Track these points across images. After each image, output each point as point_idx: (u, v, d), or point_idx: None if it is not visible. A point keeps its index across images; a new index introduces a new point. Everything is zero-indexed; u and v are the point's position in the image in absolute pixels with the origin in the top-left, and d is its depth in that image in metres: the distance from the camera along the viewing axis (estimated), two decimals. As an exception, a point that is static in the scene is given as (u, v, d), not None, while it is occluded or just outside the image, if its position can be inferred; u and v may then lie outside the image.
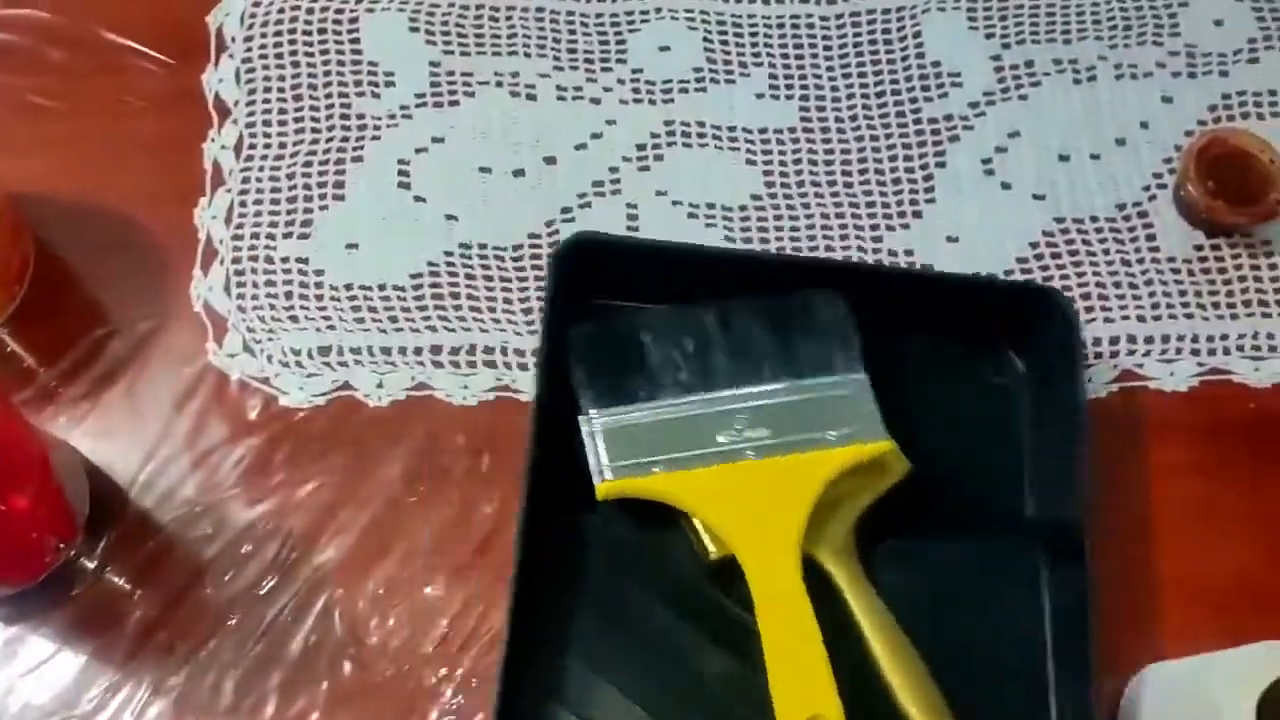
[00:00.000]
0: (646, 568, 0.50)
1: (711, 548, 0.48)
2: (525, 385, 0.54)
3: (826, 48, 0.61)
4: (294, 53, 0.60)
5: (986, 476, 0.52)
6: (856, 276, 0.54)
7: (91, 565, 0.49)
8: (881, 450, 0.49)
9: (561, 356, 0.51)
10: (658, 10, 0.62)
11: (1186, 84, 0.61)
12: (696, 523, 0.49)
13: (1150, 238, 0.57)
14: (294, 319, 0.55)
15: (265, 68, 0.60)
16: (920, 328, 0.53)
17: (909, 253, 0.57)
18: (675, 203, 0.58)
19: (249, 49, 0.60)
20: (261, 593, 0.50)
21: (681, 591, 0.49)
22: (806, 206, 0.58)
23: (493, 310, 0.55)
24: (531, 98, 0.60)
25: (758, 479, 0.48)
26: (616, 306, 0.54)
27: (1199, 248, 0.57)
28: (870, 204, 0.58)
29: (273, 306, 0.55)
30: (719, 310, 0.52)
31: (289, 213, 0.57)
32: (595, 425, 0.49)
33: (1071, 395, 0.49)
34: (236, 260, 0.56)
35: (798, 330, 0.51)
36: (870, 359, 0.51)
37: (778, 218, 0.58)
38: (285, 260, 0.56)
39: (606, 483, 0.48)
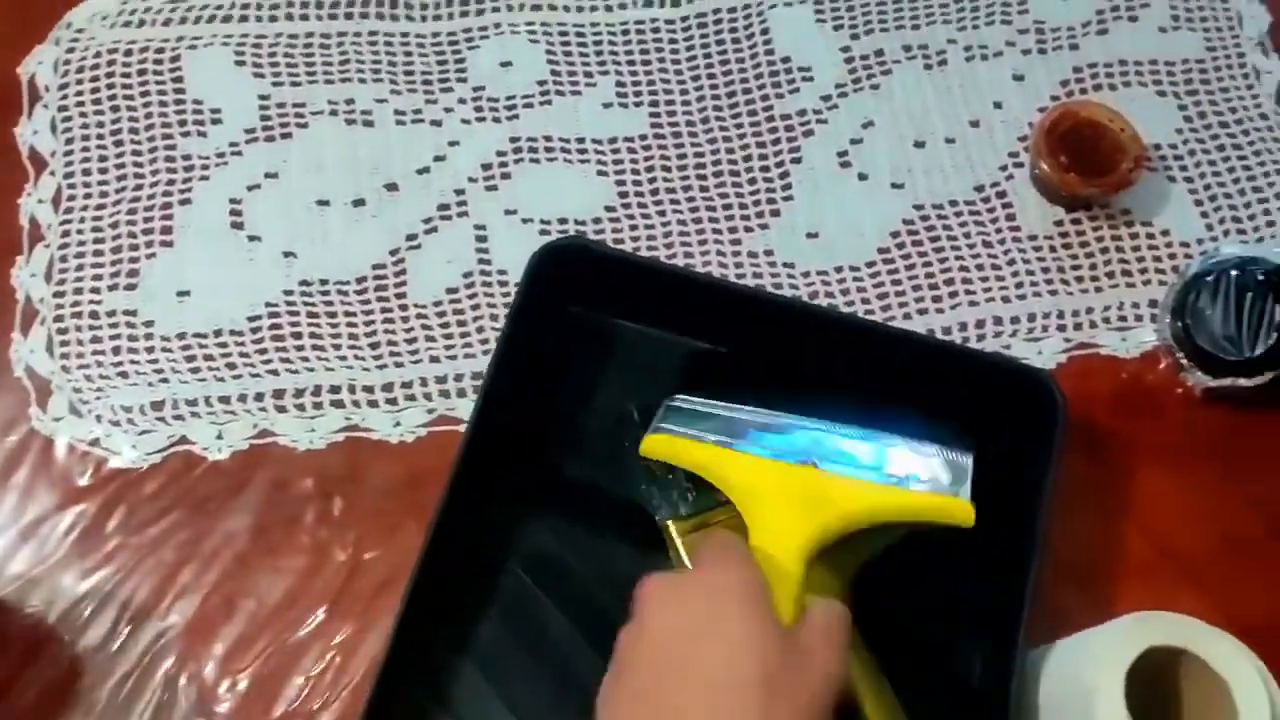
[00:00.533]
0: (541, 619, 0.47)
1: (688, 564, 0.46)
2: (375, 423, 0.51)
3: (674, 52, 0.60)
4: (113, 97, 0.57)
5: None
6: (828, 323, 0.50)
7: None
8: (960, 511, 0.43)
9: (516, 369, 0.48)
10: (496, 26, 0.60)
11: (1037, 60, 0.60)
12: (675, 534, 0.46)
13: (1010, 218, 0.56)
14: (124, 375, 0.51)
15: (83, 115, 0.56)
16: (905, 394, 0.48)
17: (769, 253, 0.55)
18: (525, 220, 0.56)
19: (64, 97, 0.57)
20: (100, 664, 0.46)
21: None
22: (662, 214, 0.56)
23: (338, 347, 0.53)
24: (369, 124, 0.57)
25: (807, 487, 0.43)
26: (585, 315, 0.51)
27: (1059, 223, 0.56)
28: (727, 206, 0.56)
29: (100, 364, 0.52)
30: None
31: (114, 264, 0.53)
32: (671, 402, 0.48)
33: (1041, 474, 0.46)
34: (59, 319, 0.52)
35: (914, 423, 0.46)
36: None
37: (633, 227, 0.56)
38: (112, 314, 0.53)
39: (651, 438, 0.46)
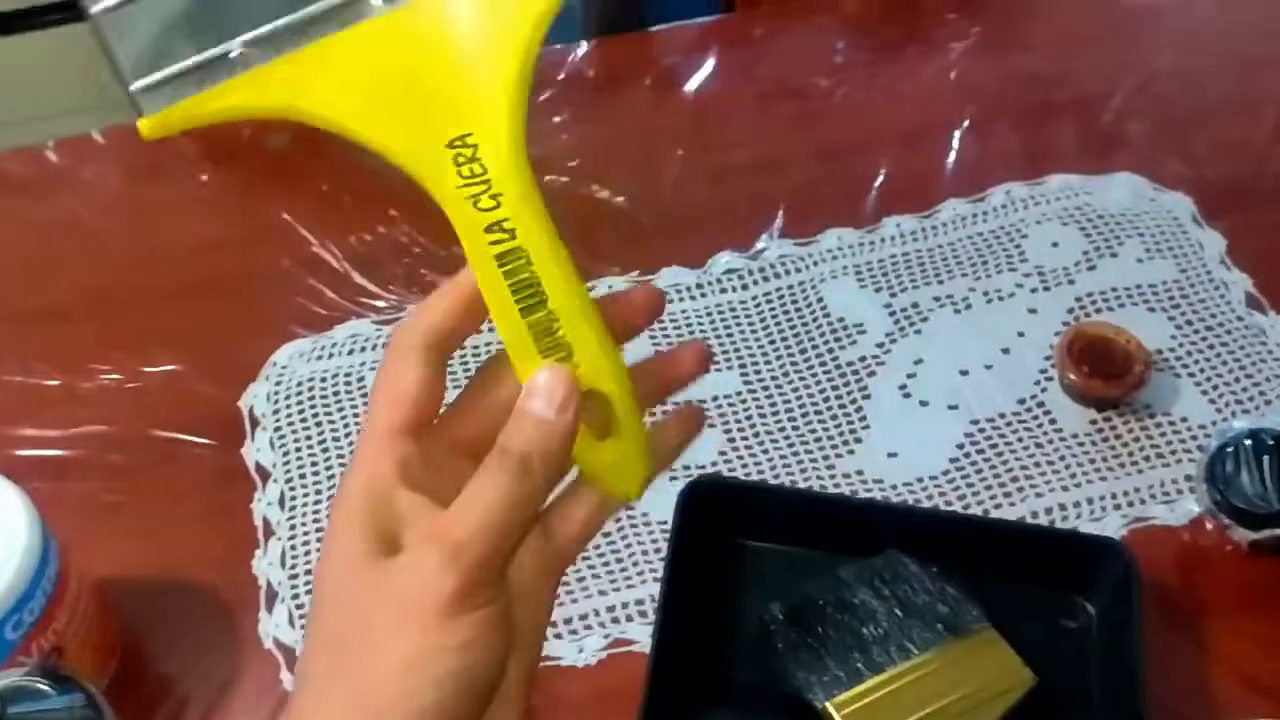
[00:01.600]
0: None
1: None
2: (562, 651, 0.61)
3: (750, 323, 0.75)
4: (315, 415, 0.71)
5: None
6: (937, 521, 0.63)
7: None
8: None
9: (678, 592, 0.58)
10: (609, 322, 0.75)
11: (1044, 296, 0.75)
12: (836, 717, 0.56)
13: (1053, 421, 0.69)
14: (353, 637, 0.63)
15: (294, 431, 0.71)
16: (997, 574, 0.60)
17: (859, 472, 0.68)
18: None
19: (278, 420, 0.71)
20: None
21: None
22: (765, 452, 0.69)
23: (523, 594, 0.64)
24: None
25: (417, 47, 0.30)
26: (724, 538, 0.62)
27: (1094, 422, 0.69)
28: (818, 439, 0.69)
29: (333, 630, 0.63)
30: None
31: (334, 547, 0.66)
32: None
33: (1129, 638, 0.56)
34: (295, 596, 0.64)
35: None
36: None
37: (744, 466, 0.68)
38: (337, 588, 0.64)
39: (145, 119, 0.31)
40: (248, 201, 0.85)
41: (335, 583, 0.31)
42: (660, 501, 0.65)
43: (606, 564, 0.64)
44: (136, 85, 0.30)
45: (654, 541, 0.65)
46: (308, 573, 0.65)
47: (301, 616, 0.64)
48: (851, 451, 0.69)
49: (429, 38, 0.29)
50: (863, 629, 0.59)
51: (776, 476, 0.68)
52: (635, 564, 0.65)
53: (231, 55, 0.30)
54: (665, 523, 0.65)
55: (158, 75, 0.30)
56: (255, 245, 0.81)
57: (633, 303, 0.36)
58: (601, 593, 0.64)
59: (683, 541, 0.61)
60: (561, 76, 0.91)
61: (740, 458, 0.69)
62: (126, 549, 0.66)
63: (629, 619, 0.63)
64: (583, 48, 0.93)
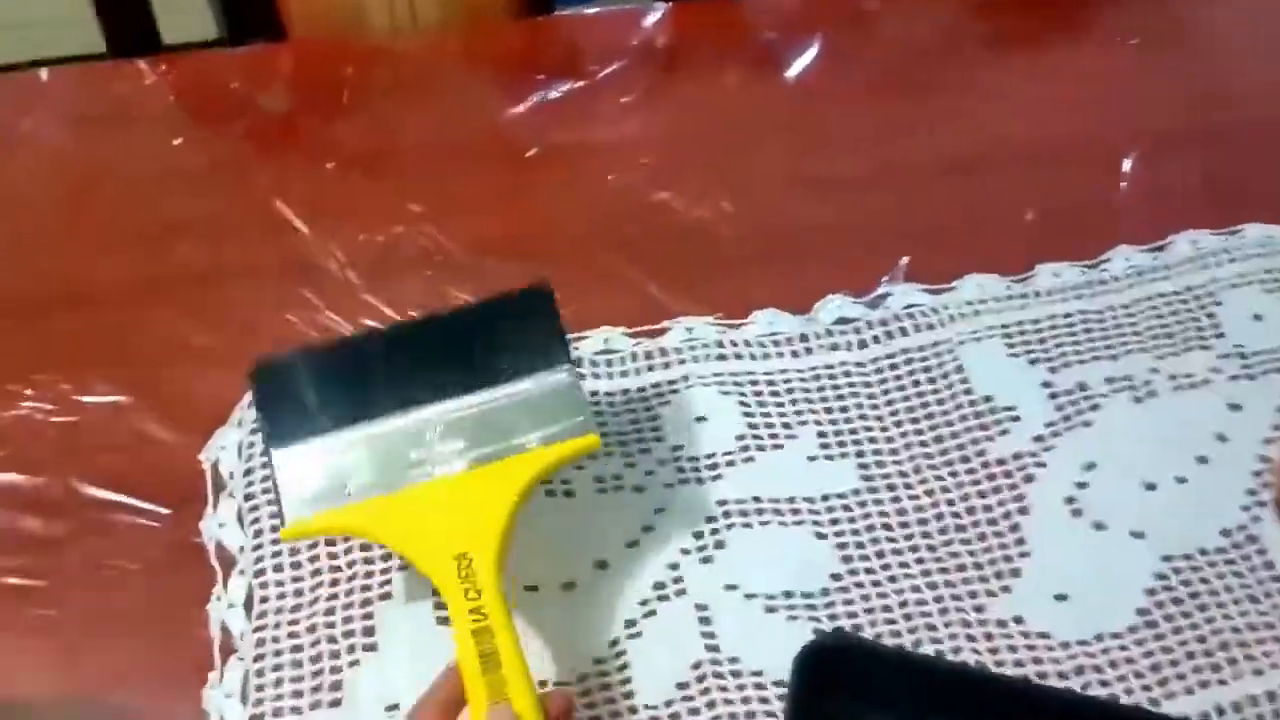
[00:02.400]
0: None
1: None
2: None
3: (870, 396, 0.58)
4: (301, 481, 0.55)
5: None
6: None
7: None
8: (589, 447, 0.48)
9: None
10: (685, 379, 0.58)
11: (1249, 387, 0.58)
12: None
13: (1268, 565, 0.52)
14: (334, 812, 0.47)
15: (270, 503, 0.54)
16: None
17: (1018, 620, 0.51)
18: (749, 596, 0.52)
19: (250, 483, 0.54)
20: None
21: None
22: (893, 579, 0.52)
23: (566, 762, 0.48)
24: (569, 494, 0.55)
25: (451, 497, 0.47)
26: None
27: (1321, 566, 0.53)
28: (961, 567, 0.53)
29: (307, 802, 0.47)
30: (405, 330, 0.51)
31: (314, 675, 0.49)
32: (276, 466, 0.48)
33: None
34: (260, 748, 0.48)
35: (497, 336, 0.50)
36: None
37: (864, 597, 0.52)
38: (317, 738, 0.48)
39: (292, 526, 0.47)
40: (230, 177, 0.66)
41: None
42: (758, 642, 0.50)
43: (684, 727, 0.48)
44: (288, 513, 0.47)
45: (745, 703, 0.48)
46: (276, 714, 0.48)
47: (266, 776, 0.47)
48: (1007, 589, 0.52)
49: (453, 497, 0.47)
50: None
51: (909, 616, 0.51)
52: (724, 731, 0.49)
53: (344, 494, 0.47)
54: (760, 675, 0.49)
55: (302, 507, 0.47)
56: (235, 237, 0.63)
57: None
58: (678, 768, 0.48)
59: (802, 712, 0.45)
60: (633, 43, 0.73)
61: (859, 584, 0.52)
62: (33, 659, 0.49)
63: (713, 808, 0.47)
64: (657, 10, 0.75)
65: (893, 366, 0.59)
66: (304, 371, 0.49)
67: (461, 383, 0.49)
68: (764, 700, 0.49)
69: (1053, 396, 0.58)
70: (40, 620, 0.50)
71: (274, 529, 0.53)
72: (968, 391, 0.58)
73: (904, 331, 0.60)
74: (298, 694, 0.48)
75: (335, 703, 0.48)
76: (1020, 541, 0.53)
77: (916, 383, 0.58)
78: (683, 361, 0.59)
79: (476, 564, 0.45)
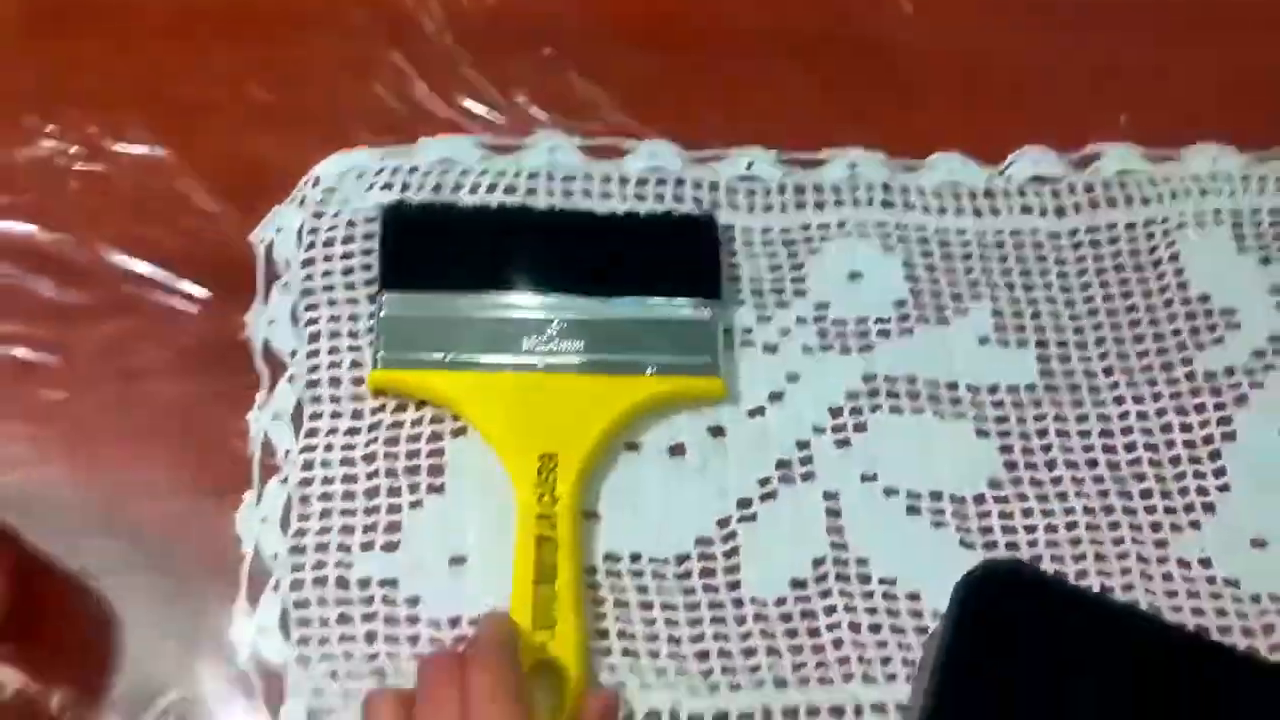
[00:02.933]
0: None
1: None
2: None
3: (1062, 276, 0.47)
4: (372, 282, 0.44)
5: None
6: None
7: None
8: (710, 391, 0.43)
9: None
10: (841, 224, 0.48)
11: None
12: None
13: None
14: (379, 673, 0.39)
15: (332, 303, 0.44)
16: None
17: (1205, 563, 0.42)
18: (889, 491, 0.43)
19: (309, 277, 0.45)
20: None
21: None
22: (1063, 496, 0.43)
23: (655, 655, 0.40)
24: (687, 343, 0.46)
25: (552, 395, 0.43)
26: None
27: None
28: (1146, 493, 0.44)
29: (349, 654, 0.39)
30: (555, 217, 0.46)
31: (368, 512, 0.41)
32: (382, 307, 0.43)
33: None
34: (298, 585, 0.40)
35: (649, 251, 0.45)
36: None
37: (1026, 512, 0.43)
38: (365, 584, 0.40)
39: (376, 372, 0.43)
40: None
41: None
42: (892, 545, 0.41)
43: (793, 634, 0.40)
44: (382, 356, 0.43)
45: (871, 614, 0.40)
46: (319, 547, 0.40)
47: (303, 621, 0.40)
48: (1195, 525, 0.43)
49: (554, 395, 0.43)
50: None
51: (1077, 542, 0.42)
52: (838, 644, 0.40)
53: (442, 359, 0.43)
54: (893, 584, 0.41)
55: (398, 355, 0.43)
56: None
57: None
58: (779, 682, 0.40)
59: (961, 650, 0.37)
60: None
61: (1022, 495, 0.43)
62: (42, 447, 0.41)
63: (835, 734, 0.40)
64: None
65: (1094, 243, 0.48)
66: (439, 224, 0.45)
67: (598, 286, 0.44)
68: (892, 613, 0.41)
69: (1283, 305, 0.48)
70: (50, 405, 0.42)
71: (333, 334, 0.44)
72: (1181, 286, 0.47)
73: (1112, 202, 0.49)
74: (347, 530, 0.41)
75: (390, 546, 0.40)
76: (1220, 473, 0.44)
77: (1120, 267, 0.48)
78: (840, 203, 0.48)
79: (561, 469, 0.41)
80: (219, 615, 0.39)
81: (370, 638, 0.39)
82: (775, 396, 0.45)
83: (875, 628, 0.41)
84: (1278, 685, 0.38)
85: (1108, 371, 0.46)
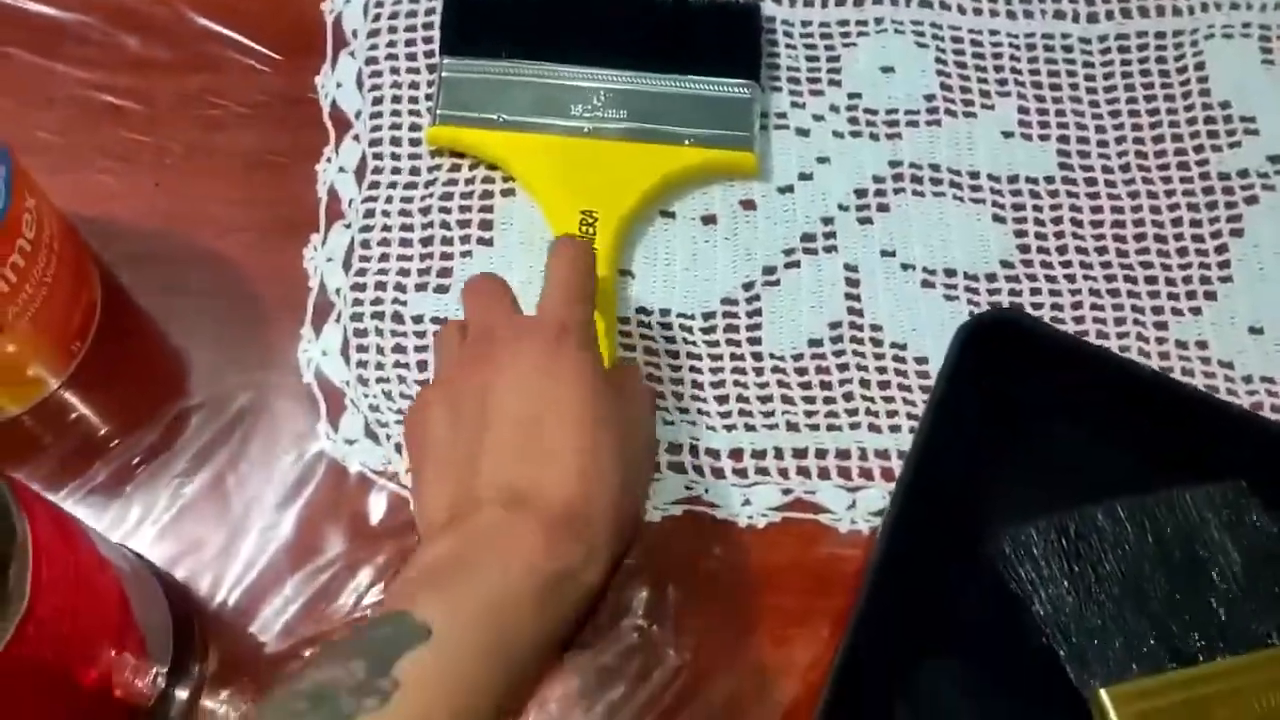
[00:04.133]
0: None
1: None
2: (720, 497, 0.42)
3: (1089, 78, 0.49)
4: (430, 54, 0.48)
5: None
6: None
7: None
8: (742, 164, 0.46)
9: (926, 473, 0.39)
10: (878, 21, 0.50)
11: None
12: (1110, 707, 0.37)
13: None
14: (428, 396, 0.43)
15: (395, 71, 0.48)
16: None
17: (1201, 344, 0.45)
18: (906, 266, 0.46)
19: (374, 47, 0.48)
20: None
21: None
22: (1071, 279, 0.46)
23: (679, 396, 0.44)
24: (724, 124, 0.48)
25: (595, 158, 0.46)
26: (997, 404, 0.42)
27: None
28: (1151, 279, 0.46)
29: (402, 379, 0.43)
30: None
31: (423, 258, 0.45)
32: (444, 70, 0.46)
33: None
34: (357, 317, 0.44)
35: (695, 29, 0.48)
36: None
37: (1035, 290, 0.46)
38: (419, 319, 0.44)
39: (433, 129, 0.46)
40: None
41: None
42: (905, 315, 0.44)
43: (807, 387, 0.44)
44: (441, 113, 0.46)
45: (881, 373, 0.43)
46: (379, 286, 0.44)
47: (361, 348, 0.44)
48: (1197, 311, 0.46)
49: (597, 158, 0.46)
50: (1173, 592, 0.40)
51: (1080, 319, 0.45)
52: (848, 397, 0.43)
53: (495, 119, 0.46)
54: (904, 349, 0.44)
55: (455, 113, 0.46)
56: None
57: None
58: (791, 426, 0.44)
59: (954, 396, 0.40)
60: None
61: (1032, 276, 0.46)
62: (127, 183, 0.45)
63: (823, 475, 0.43)
64: None
65: (1122, 49, 0.50)
66: None
67: (644, 59, 0.47)
68: (901, 374, 0.44)
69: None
70: (135, 145, 0.45)
71: (395, 99, 0.47)
72: (1204, 93, 0.49)
73: (1144, 11, 0.50)
74: (404, 272, 0.45)
75: (441, 289, 0.44)
76: (1225, 265, 0.46)
77: (1146, 72, 0.49)
78: (879, 1, 0.50)
79: (600, 225, 0.44)
80: (289, 339, 0.43)
81: (421, 366, 0.43)
82: (804, 176, 0.47)
83: (884, 384, 0.44)
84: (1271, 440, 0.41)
85: (1125, 168, 0.48)
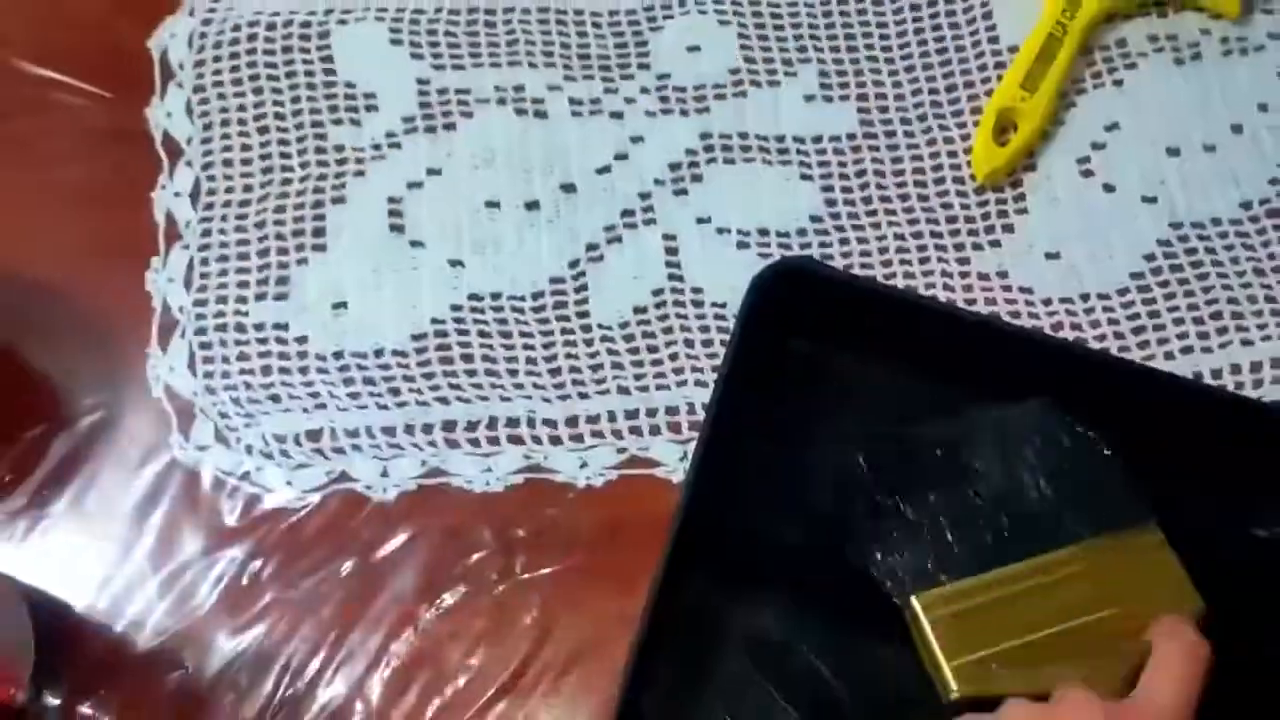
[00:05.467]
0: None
1: (954, 687, 0.39)
2: (559, 463, 0.45)
3: (884, 39, 0.52)
4: (255, 77, 0.50)
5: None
6: (1107, 370, 0.43)
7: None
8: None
9: (733, 415, 0.41)
10: (681, 4, 0.53)
11: (1304, 57, 0.53)
12: (940, 659, 0.39)
13: (1286, 240, 0.49)
14: (275, 398, 0.45)
15: (221, 97, 0.50)
16: (1170, 455, 0.41)
17: (1002, 274, 0.48)
18: (721, 230, 0.49)
19: (200, 76, 0.50)
20: (258, 739, 0.41)
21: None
22: (877, 226, 0.49)
23: (514, 373, 0.46)
24: (541, 115, 0.50)
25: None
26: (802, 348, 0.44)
27: (1343, 248, 0.49)
28: (952, 219, 0.49)
29: (249, 385, 0.46)
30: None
31: (261, 269, 0.47)
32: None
33: None
34: (201, 331, 0.46)
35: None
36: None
37: (844, 241, 0.49)
38: (260, 327, 0.46)
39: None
40: None
41: None
42: (722, 275, 0.47)
43: (635, 351, 0.46)
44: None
45: (704, 332, 0.47)
46: (220, 300, 0.47)
47: (206, 359, 0.46)
48: (996, 244, 0.49)
49: None
50: (978, 503, 0.43)
51: (888, 263, 0.48)
52: (674, 358, 0.47)
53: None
54: (723, 306, 0.47)
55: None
56: None
57: None
58: (622, 390, 0.47)
59: (751, 341, 0.42)
60: None
61: (840, 228, 0.49)
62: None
63: (654, 432, 0.46)
64: None
65: (914, 8, 0.53)
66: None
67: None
68: (723, 330, 0.47)
69: (1086, 53, 0.52)
70: (-26, 192, 0.48)
71: (224, 122, 0.50)
72: (993, 40, 0.52)
73: (930, -32, 0.54)
74: (243, 284, 0.47)
75: (281, 296, 0.47)
76: (1020, 199, 0.49)
77: (937, 28, 0.52)
78: (680, -16, 0.53)
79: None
80: (136, 358, 0.45)
81: (265, 371, 0.46)
82: (620, 156, 0.50)
83: (707, 343, 0.47)
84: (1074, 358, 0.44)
85: (922, 118, 0.51)
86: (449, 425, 0.45)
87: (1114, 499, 0.42)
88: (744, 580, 0.42)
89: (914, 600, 0.41)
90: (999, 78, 0.51)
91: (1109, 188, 0.50)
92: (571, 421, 0.46)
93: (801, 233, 0.49)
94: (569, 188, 0.49)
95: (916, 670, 0.39)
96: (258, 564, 0.43)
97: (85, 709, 0.40)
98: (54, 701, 0.40)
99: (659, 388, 0.46)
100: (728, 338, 0.47)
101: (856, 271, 0.48)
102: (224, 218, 0.48)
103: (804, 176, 0.50)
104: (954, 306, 0.46)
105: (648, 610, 0.38)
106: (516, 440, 0.45)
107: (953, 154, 0.50)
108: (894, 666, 0.40)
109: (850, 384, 0.45)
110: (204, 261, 0.47)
